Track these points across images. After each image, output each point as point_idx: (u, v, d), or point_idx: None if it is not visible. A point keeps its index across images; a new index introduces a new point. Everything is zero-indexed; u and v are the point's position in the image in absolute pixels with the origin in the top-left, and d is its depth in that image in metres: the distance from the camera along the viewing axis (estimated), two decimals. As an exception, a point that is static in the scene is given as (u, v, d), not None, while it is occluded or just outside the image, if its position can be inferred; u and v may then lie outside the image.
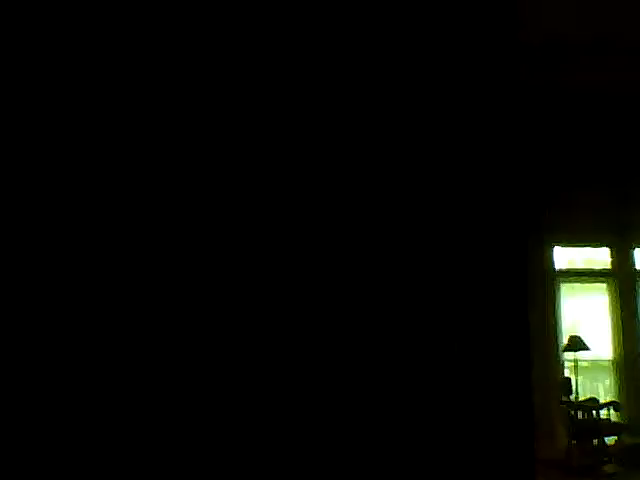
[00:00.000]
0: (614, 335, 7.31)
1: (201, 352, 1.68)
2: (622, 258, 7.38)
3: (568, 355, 6.94)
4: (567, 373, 7.00)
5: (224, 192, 1.76)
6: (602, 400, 6.78)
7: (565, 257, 7.32)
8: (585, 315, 7.25)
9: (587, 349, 6.74)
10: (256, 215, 1.78)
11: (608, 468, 6.43)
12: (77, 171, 1.72)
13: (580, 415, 6.57)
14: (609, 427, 6.51)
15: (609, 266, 7.41)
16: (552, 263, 7.21)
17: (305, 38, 1.85)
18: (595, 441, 6.49)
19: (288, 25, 1.85)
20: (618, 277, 7.38)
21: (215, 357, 1.66)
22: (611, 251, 7.41)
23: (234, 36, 1.81)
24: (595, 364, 7.11)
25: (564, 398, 6.66)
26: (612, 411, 6.63)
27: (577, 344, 6.73)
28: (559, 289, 7.22)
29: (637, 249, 7.43)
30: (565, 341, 6.89)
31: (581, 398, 6.77)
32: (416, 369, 1.65)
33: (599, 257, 7.43)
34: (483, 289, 1.88)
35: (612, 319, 7.32)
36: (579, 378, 6.84)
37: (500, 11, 1.95)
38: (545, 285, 7.07)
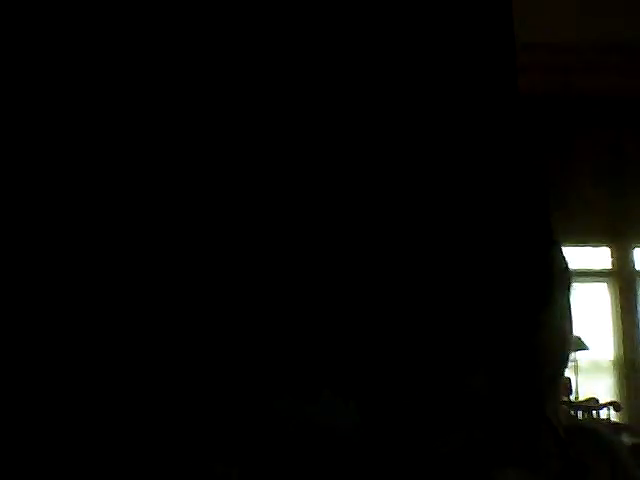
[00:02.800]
0: (614, 335, 7.30)
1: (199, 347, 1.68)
2: (622, 258, 7.37)
3: (568, 355, 6.92)
4: (567, 373, 6.99)
5: (222, 192, 1.75)
6: (602, 400, 6.78)
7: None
8: (585, 315, 7.25)
9: (587, 349, 6.74)
10: (255, 215, 1.77)
11: (608, 468, 6.40)
12: (76, 171, 1.72)
13: (580, 415, 6.56)
14: (609, 427, 6.51)
15: (609, 266, 7.40)
16: (552, 263, 7.19)
17: (302, 38, 1.85)
18: (595, 441, 6.46)
19: (286, 25, 1.84)
20: (618, 277, 7.37)
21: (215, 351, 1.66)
22: (611, 251, 7.40)
23: (234, 36, 1.81)
24: (595, 364, 7.10)
25: (564, 398, 6.66)
26: (612, 411, 6.62)
27: (577, 344, 6.72)
28: (559, 289, 7.20)
29: (637, 249, 7.42)
30: (565, 341, 6.87)
31: (581, 398, 6.76)
32: (417, 373, 1.65)
33: (599, 257, 7.42)
34: (482, 289, 1.87)
35: (612, 319, 7.31)
36: (579, 378, 6.83)
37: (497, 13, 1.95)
38: (545, 285, 7.04)
